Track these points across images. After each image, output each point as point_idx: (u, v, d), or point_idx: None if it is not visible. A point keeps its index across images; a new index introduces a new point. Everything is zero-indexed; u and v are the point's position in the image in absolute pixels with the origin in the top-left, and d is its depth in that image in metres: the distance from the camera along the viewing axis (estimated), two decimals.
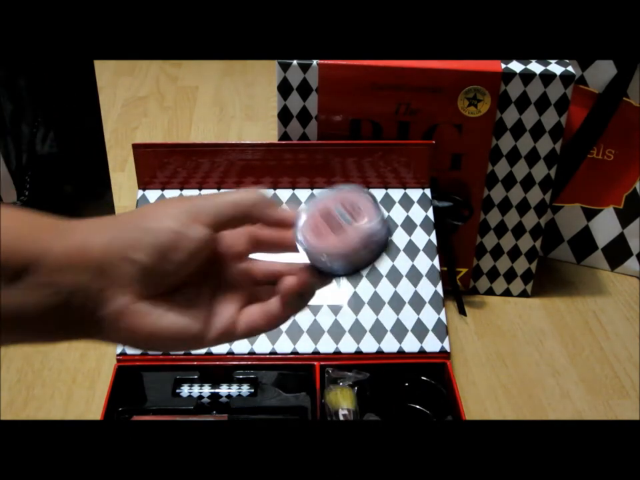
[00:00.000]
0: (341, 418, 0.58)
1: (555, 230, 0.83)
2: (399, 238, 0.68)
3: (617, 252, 0.82)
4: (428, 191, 0.70)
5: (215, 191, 0.70)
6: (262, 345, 0.63)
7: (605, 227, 0.81)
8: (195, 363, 0.62)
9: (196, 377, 0.62)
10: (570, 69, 0.67)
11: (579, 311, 0.78)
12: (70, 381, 0.68)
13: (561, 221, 0.83)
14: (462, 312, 0.75)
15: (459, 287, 0.76)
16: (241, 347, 0.63)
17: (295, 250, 0.37)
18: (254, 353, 0.62)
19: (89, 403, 0.65)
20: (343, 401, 0.59)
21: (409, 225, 0.69)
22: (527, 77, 0.66)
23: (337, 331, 0.63)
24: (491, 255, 0.77)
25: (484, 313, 0.77)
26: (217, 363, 0.62)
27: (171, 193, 0.70)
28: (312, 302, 0.64)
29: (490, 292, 0.79)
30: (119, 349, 0.62)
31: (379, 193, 0.70)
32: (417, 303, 0.65)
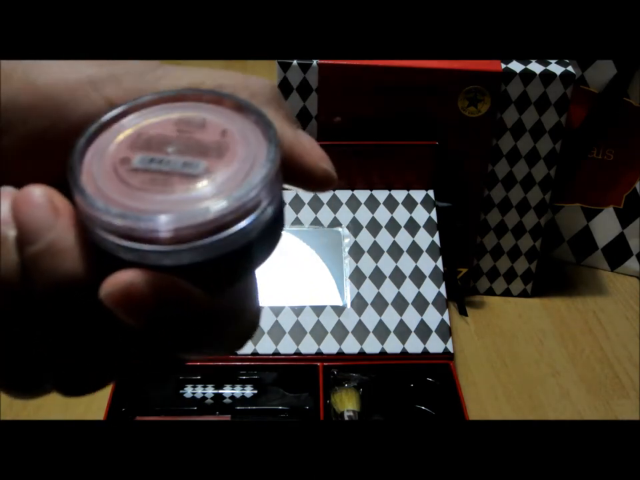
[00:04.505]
0: (346, 420, 0.58)
1: (555, 230, 0.83)
2: (403, 239, 0.68)
3: (617, 252, 0.82)
4: (431, 192, 0.70)
5: None
6: (265, 345, 0.63)
7: (605, 227, 0.81)
8: (199, 363, 0.62)
9: (199, 377, 0.62)
10: (570, 68, 0.67)
11: (579, 311, 0.78)
12: None
13: (561, 221, 0.83)
14: (463, 312, 0.75)
15: (459, 287, 0.76)
16: (244, 348, 0.63)
17: None
18: (257, 354, 0.62)
19: (89, 403, 0.65)
20: (348, 403, 0.59)
21: (412, 226, 0.69)
22: (527, 76, 0.67)
23: (340, 332, 0.64)
24: (490, 255, 0.77)
25: (484, 313, 0.77)
26: (220, 363, 0.62)
27: None
28: (315, 302, 0.65)
29: (490, 292, 0.79)
30: None
31: (382, 195, 0.70)
32: (421, 303, 0.65)
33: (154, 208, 0.20)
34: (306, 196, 0.70)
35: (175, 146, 0.21)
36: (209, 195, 0.20)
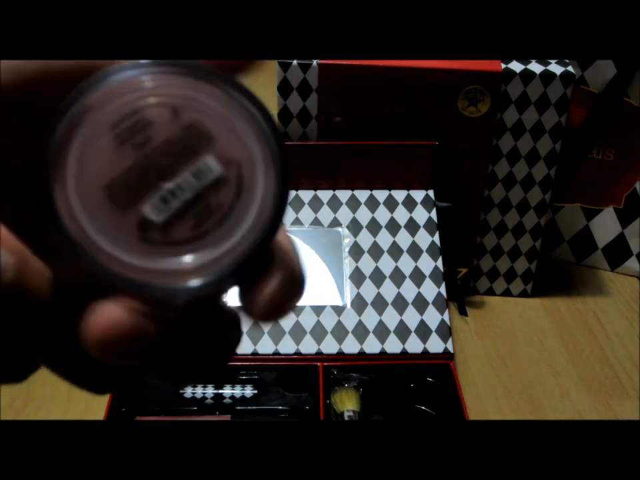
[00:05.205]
0: (346, 420, 0.58)
1: (555, 230, 0.83)
2: (403, 239, 0.68)
3: (617, 252, 0.82)
4: (431, 192, 0.70)
5: None
6: (265, 345, 0.63)
7: (605, 227, 0.81)
8: None
9: None
10: (570, 68, 0.67)
11: (579, 311, 0.78)
12: None
13: (561, 221, 0.83)
14: (462, 312, 0.75)
15: (459, 287, 0.76)
16: (244, 347, 0.63)
17: None
18: (257, 354, 0.63)
19: (89, 403, 0.65)
20: (348, 403, 0.59)
21: (412, 226, 0.69)
22: (527, 76, 0.67)
23: (340, 332, 0.64)
24: (490, 255, 0.77)
25: (484, 313, 0.77)
26: None
27: None
28: (315, 302, 0.65)
29: (490, 292, 0.79)
30: None
31: (382, 195, 0.70)
32: (420, 303, 0.65)
33: (181, 268, 0.18)
34: (306, 196, 0.70)
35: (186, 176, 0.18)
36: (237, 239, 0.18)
